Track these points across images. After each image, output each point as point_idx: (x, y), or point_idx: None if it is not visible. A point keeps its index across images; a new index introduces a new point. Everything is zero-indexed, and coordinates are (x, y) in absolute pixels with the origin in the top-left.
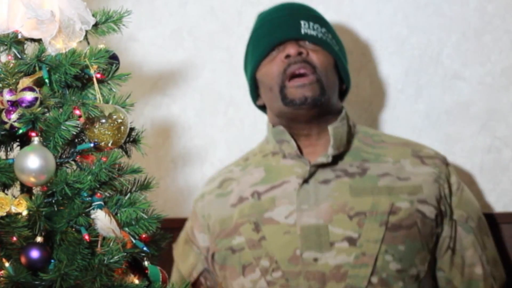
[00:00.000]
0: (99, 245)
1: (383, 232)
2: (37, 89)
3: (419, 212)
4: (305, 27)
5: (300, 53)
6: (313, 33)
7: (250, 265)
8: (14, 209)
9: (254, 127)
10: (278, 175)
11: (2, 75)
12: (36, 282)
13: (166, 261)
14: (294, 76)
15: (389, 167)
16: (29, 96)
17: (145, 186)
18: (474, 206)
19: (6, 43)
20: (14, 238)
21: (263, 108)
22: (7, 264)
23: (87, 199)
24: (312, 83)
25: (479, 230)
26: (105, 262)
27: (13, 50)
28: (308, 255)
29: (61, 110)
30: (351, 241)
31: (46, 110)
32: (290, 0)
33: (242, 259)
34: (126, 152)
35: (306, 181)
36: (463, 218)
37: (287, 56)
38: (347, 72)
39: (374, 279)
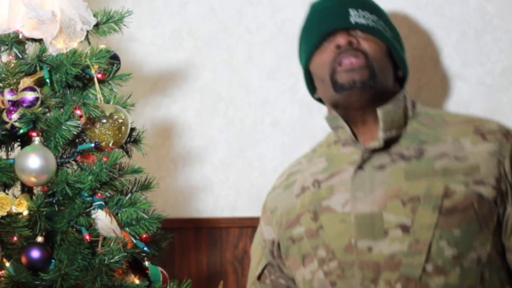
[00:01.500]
0: (99, 245)
1: (436, 217)
2: (38, 89)
3: (475, 193)
4: (355, 16)
5: (350, 43)
6: (363, 21)
7: (309, 255)
8: (14, 209)
9: (254, 127)
10: (338, 163)
11: (3, 75)
12: (37, 282)
13: (166, 261)
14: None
15: (447, 147)
16: (30, 96)
17: (145, 186)
18: None
19: (7, 43)
20: (15, 238)
21: (321, 100)
22: (7, 264)
23: (88, 199)
24: (362, 67)
25: None
26: (106, 262)
27: (14, 50)
28: (362, 244)
29: (62, 110)
30: (405, 228)
31: (47, 110)
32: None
33: (302, 249)
34: (127, 152)
35: (361, 167)
36: None
37: (338, 47)
38: (402, 58)
39: (429, 267)
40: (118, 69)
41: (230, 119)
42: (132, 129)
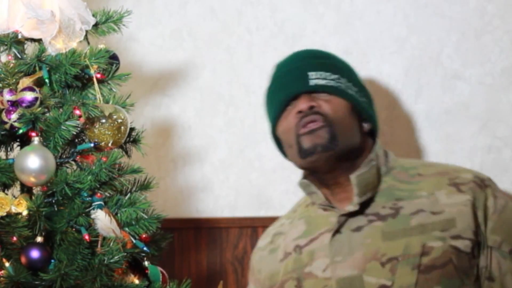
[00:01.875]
0: (99, 245)
1: (416, 276)
2: (37, 89)
3: (453, 248)
4: (315, 78)
5: (311, 107)
6: (323, 82)
7: None
8: (14, 209)
9: (254, 127)
10: (315, 227)
11: (2, 75)
12: (36, 282)
13: (166, 261)
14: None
15: (423, 202)
16: (29, 96)
17: (145, 186)
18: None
19: (6, 43)
20: (14, 238)
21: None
22: (7, 264)
23: (87, 199)
24: (320, 128)
25: None
26: (105, 262)
27: (13, 50)
28: None
29: (61, 110)
30: None
31: (46, 110)
32: (302, 47)
33: None
34: (126, 152)
35: (338, 231)
36: (496, 243)
37: (299, 112)
38: (368, 112)
39: None
40: (117, 69)
41: (230, 119)
42: (132, 129)
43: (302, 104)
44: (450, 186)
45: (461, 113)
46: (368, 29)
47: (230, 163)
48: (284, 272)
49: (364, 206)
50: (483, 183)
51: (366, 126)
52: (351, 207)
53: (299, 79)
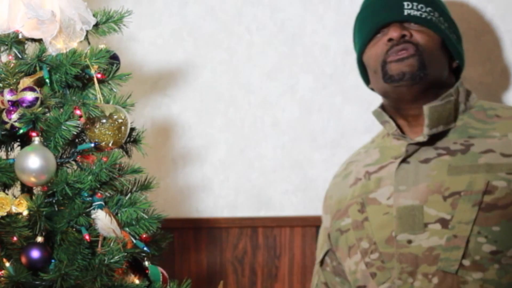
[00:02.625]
0: (99, 245)
1: (476, 213)
2: (37, 89)
3: None
4: (408, 8)
5: (403, 36)
6: (417, 13)
7: (353, 246)
8: (14, 209)
9: (254, 127)
10: (388, 155)
11: (3, 75)
12: (37, 282)
13: (166, 261)
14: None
15: (495, 142)
16: (29, 96)
17: (145, 186)
18: None
19: (6, 43)
20: (15, 238)
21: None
22: (7, 264)
23: (88, 199)
24: (410, 57)
25: None
26: (106, 262)
27: (14, 50)
28: (402, 237)
29: (61, 110)
30: (444, 223)
31: (46, 110)
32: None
33: (348, 240)
34: (127, 152)
35: (405, 160)
36: None
37: (390, 40)
38: (457, 48)
39: (466, 262)
40: (118, 69)
41: (230, 119)
42: (132, 129)
43: (394, 32)
44: None
45: None
46: None
47: (230, 163)
48: (352, 196)
49: (436, 140)
50: None
51: (454, 63)
52: (421, 138)
53: (393, 8)
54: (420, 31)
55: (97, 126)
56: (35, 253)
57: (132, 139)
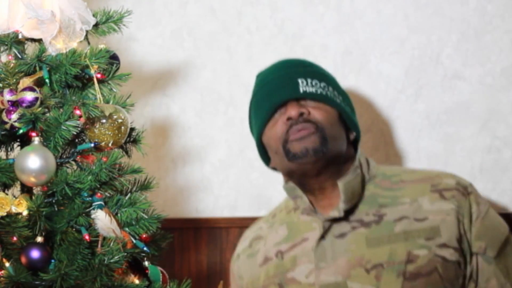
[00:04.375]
0: (99, 245)
1: (401, 283)
2: (37, 89)
3: (438, 256)
4: (304, 85)
5: (301, 114)
6: (312, 89)
7: None
8: (14, 209)
9: None
10: (298, 232)
11: (3, 75)
12: (37, 282)
13: (166, 261)
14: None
15: (406, 208)
16: (29, 96)
17: (145, 186)
18: (495, 231)
19: (6, 43)
20: (15, 238)
21: (276, 169)
22: (7, 264)
23: (88, 199)
24: (311, 134)
25: (503, 257)
26: (106, 262)
27: (14, 50)
28: None
29: (61, 110)
30: None
31: (46, 110)
32: (287, 57)
33: None
34: (127, 152)
35: (322, 237)
36: (481, 249)
37: (289, 118)
38: (353, 120)
39: None
40: (117, 69)
41: (230, 119)
42: (132, 129)
43: (292, 110)
44: (433, 193)
45: (461, 113)
46: (368, 29)
47: (230, 163)
48: (266, 277)
49: (347, 213)
50: (465, 191)
51: (351, 134)
52: (336, 213)
53: (288, 86)
54: (317, 107)
55: (97, 126)
56: (35, 253)
57: (132, 139)
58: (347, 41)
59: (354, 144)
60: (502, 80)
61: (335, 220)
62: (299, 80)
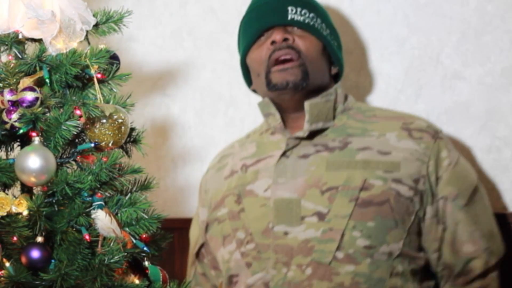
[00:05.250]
0: (99, 245)
1: (352, 208)
2: (37, 89)
3: (392, 190)
4: (292, 13)
5: (285, 39)
6: (300, 18)
7: (228, 236)
8: (14, 209)
9: (254, 127)
10: (265, 150)
11: (3, 75)
12: (37, 282)
13: (166, 261)
14: (278, 62)
15: (372, 140)
16: (29, 96)
17: (145, 186)
18: (467, 180)
19: (6, 43)
20: (15, 238)
21: (256, 92)
22: (7, 264)
23: (88, 199)
24: (294, 67)
25: (472, 204)
26: (106, 262)
27: (14, 50)
28: (279, 228)
29: (61, 110)
30: (320, 216)
31: (46, 110)
32: None
33: (224, 230)
34: (127, 152)
35: (285, 154)
36: (452, 195)
37: (273, 42)
38: (337, 55)
39: (340, 254)
40: (118, 69)
41: (230, 119)
42: (132, 129)
43: (277, 34)
44: (403, 130)
45: (461, 113)
46: (368, 29)
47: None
48: (228, 188)
49: (313, 136)
50: (436, 135)
51: (334, 68)
52: (301, 133)
53: (277, 11)
54: (303, 36)
55: (97, 126)
56: (35, 253)
57: (132, 139)
58: (347, 41)
59: (336, 78)
60: (502, 80)
61: (302, 141)
62: (289, 8)
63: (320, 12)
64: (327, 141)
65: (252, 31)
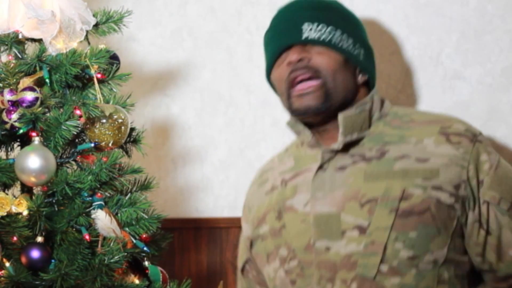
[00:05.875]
0: (99, 245)
1: (393, 219)
2: (37, 89)
3: (432, 197)
4: (308, 30)
5: (301, 60)
6: (315, 35)
7: (272, 253)
8: (14, 209)
9: (254, 127)
10: (303, 163)
11: (3, 75)
12: (37, 282)
13: (166, 261)
14: (296, 83)
15: (410, 148)
16: (29, 96)
17: (145, 186)
18: (509, 183)
19: (6, 43)
20: (15, 238)
21: None
22: (7, 264)
23: (88, 199)
24: (315, 90)
25: None
26: (106, 262)
27: (14, 50)
28: (320, 244)
29: (61, 110)
30: (361, 230)
31: (46, 110)
32: None
33: (267, 247)
34: (127, 152)
35: (322, 168)
36: (495, 200)
37: (289, 63)
38: (364, 64)
39: (384, 267)
40: (117, 69)
41: (230, 119)
42: (132, 129)
43: (293, 55)
44: (440, 135)
45: (461, 113)
46: (368, 29)
47: (230, 163)
48: (269, 203)
49: (349, 147)
50: (475, 138)
51: (360, 78)
52: (336, 145)
53: (292, 31)
54: (321, 52)
55: (97, 126)
56: (35, 253)
57: (132, 139)
58: None
59: (369, 85)
60: (502, 80)
61: (338, 153)
62: (305, 25)
63: (340, 22)
64: (364, 151)
65: (272, 50)
